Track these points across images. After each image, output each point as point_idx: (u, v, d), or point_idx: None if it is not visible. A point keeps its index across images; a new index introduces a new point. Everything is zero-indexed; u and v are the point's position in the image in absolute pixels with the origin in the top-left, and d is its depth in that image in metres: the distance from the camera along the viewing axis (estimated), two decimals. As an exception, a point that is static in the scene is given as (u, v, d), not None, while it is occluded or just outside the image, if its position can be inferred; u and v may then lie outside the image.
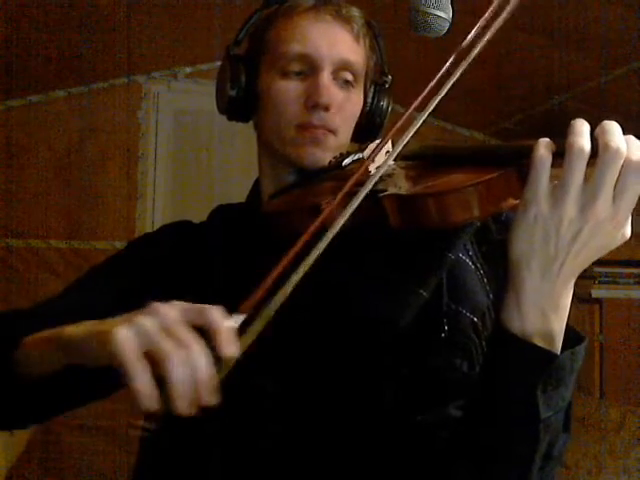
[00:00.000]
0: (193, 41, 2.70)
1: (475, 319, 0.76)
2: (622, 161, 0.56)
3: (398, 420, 0.73)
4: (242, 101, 0.89)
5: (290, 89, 0.84)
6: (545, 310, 0.61)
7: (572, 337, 0.63)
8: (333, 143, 0.85)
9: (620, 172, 0.56)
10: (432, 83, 0.68)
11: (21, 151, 2.93)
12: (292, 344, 0.76)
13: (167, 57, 2.91)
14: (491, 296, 0.79)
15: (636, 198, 0.58)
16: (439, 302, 0.76)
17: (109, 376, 0.55)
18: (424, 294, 0.74)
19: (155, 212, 2.99)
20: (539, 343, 0.61)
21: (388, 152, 0.73)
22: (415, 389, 0.74)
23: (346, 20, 0.86)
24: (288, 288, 0.57)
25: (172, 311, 0.53)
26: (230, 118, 0.93)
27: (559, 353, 0.61)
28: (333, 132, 0.85)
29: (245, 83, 0.88)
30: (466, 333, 0.75)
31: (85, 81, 2.92)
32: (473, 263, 0.80)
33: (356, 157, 0.82)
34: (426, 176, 0.68)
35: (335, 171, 0.81)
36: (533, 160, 0.58)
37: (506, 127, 3.06)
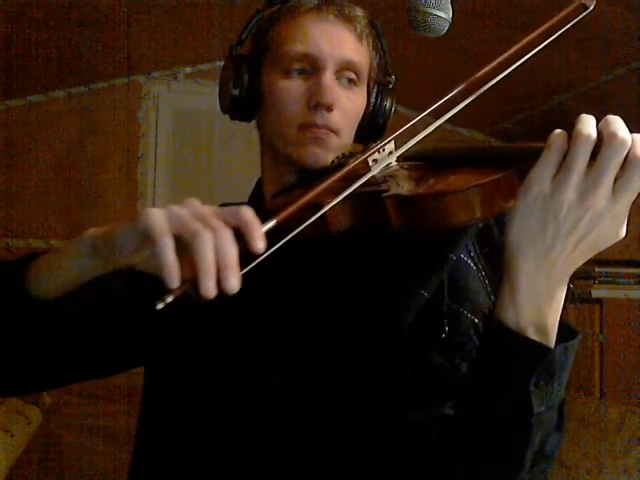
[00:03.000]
0: (193, 41, 2.70)
1: (476, 320, 0.76)
2: (626, 152, 0.56)
3: (395, 418, 0.73)
4: (245, 100, 0.89)
5: (292, 89, 0.84)
6: (540, 302, 0.61)
7: (566, 332, 0.64)
8: (335, 143, 0.85)
9: (626, 167, 0.57)
10: (454, 92, 0.68)
11: (21, 151, 2.93)
12: (298, 340, 0.77)
13: (167, 57, 2.91)
14: (492, 297, 0.79)
15: (635, 194, 0.58)
16: (440, 302, 0.76)
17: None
18: (425, 294, 0.74)
19: (155, 212, 2.99)
20: (533, 336, 0.61)
21: (391, 153, 0.73)
22: (414, 388, 0.74)
23: (349, 20, 0.86)
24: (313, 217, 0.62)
25: (207, 207, 0.57)
26: (233, 117, 0.93)
27: (553, 347, 0.62)
28: (335, 132, 0.84)
29: (248, 83, 0.88)
30: (466, 334, 0.76)
31: (85, 81, 2.93)
32: (475, 264, 0.80)
33: (358, 157, 0.82)
34: (428, 177, 0.68)
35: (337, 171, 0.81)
36: (549, 142, 0.59)
37: (506, 127, 3.06)
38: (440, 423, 0.71)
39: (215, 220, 0.55)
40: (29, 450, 2.55)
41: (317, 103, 0.82)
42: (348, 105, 0.86)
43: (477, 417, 0.65)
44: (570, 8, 0.70)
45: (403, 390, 0.74)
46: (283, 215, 0.59)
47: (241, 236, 0.54)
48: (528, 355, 0.61)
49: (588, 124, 0.58)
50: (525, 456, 0.63)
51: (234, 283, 0.53)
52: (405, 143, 0.69)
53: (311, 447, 0.74)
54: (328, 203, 0.66)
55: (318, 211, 0.64)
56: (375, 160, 0.72)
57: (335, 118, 0.84)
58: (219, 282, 0.52)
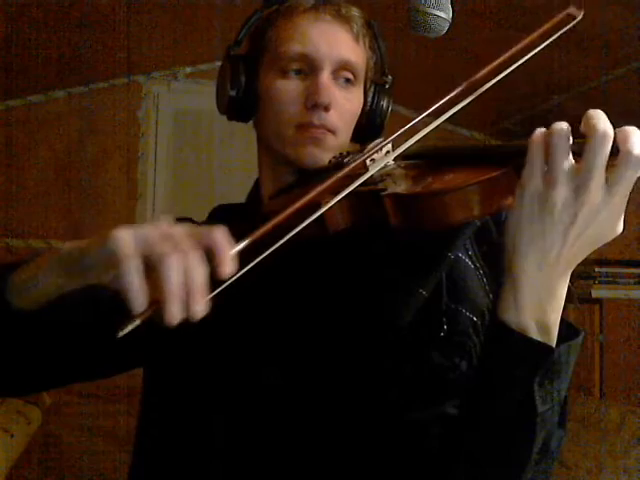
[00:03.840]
0: (193, 41, 2.70)
1: (475, 319, 0.77)
2: (610, 142, 0.56)
3: (396, 417, 0.73)
4: (242, 101, 0.89)
5: (290, 89, 0.84)
6: (542, 301, 0.61)
7: (567, 330, 0.64)
8: (333, 143, 0.85)
9: (615, 159, 0.57)
10: (453, 93, 0.68)
11: (21, 151, 2.93)
12: (297, 340, 0.77)
13: (167, 57, 2.92)
14: (491, 296, 0.79)
15: (630, 187, 0.58)
16: (439, 301, 0.76)
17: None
18: (424, 293, 0.74)
19: (155, 212, 3.00)
20: (535, 335, 0.61)
21: (388, 152, 0.73)
22: (414, 387, 0.74)
23: (346, 20, 0.86)
24: (287, 237, 0.61)
25: (177, 228, 0.55)
26: (230, 118, 0.93)
27: (555, 345, 0.62)
28: (333, 132, 0.85)
29: (245, 83, 0.88)
30: (466, 332, 0.76)
31: (85, 81, 2.93)
32: (473, 263, 0.81)
33: (356, 157, 0.82)
34: (426, 175, 0.68)
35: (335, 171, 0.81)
36: (530, 143, 0.59)
37: (506, 127, 3.06)
38: (442, 422, 0.71)
39: (185, 242, 0.53)
40: (29, 450, 2.55)
41: (314, 103, 0.82)
42: (345, 105, 0.86)
43: (481, 417, 0.65)
44: (557, 19, 0.70)
45: (403, 389, 0.74)
46: (261, 232, 0.58)
47: (212, 258, 0.53)
48: (531, 355, 0.61)
49: (560, 122, 0.58)
50: (530, 455, 0.63)
51: (200, 309, 0.52)
52: (402, 143, 0.69)
53: (312, 446, 0.74)
54: (326, 203, 0.66)
55: (315, 212, 0.64)
56: (373, 160, 0.72)
57: (332, 118, 0.84)
58: (186, 304, 0.51)
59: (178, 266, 0.51)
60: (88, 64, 2.71)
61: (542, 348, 0.61)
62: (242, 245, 0.56)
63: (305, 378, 0.76)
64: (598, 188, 0.57)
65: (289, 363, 0.76)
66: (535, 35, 0.70)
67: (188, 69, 3.05)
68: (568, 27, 0.70)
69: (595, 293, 2.90)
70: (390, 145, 0.73)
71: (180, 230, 0.55)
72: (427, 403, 0.74)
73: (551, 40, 0.69)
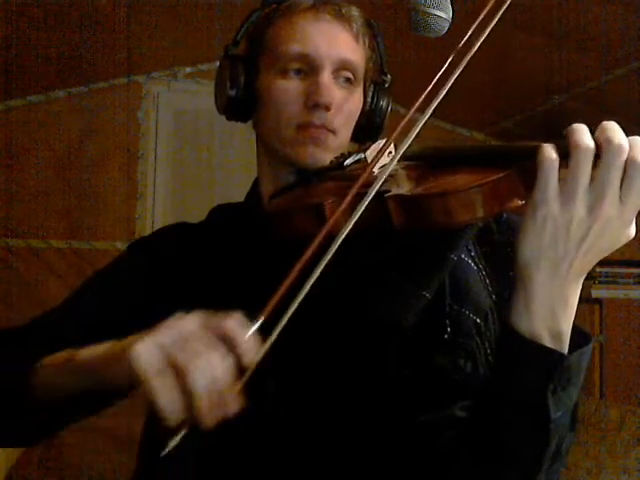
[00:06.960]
0: (193, 41, 2.70)
1: (478, 320, 0.76)
2: (625, 156, 0.56)
3: (402, 421, 0.73)
4: (241, 101, 0.89)
5: (290, 89, 0.84)
6: (554, 309, 0.61)
7: (578, 336, 0.64)
8: (333, 143, 0.85)
9: (626, 172, 0.57)
10: (431, 85, 0.68)
11: (21, 151, 2.93)
12: (294, 345, 0.76)
13: (167, 57, 2.91)
14: (494, 297, 0.79)
15: None
16: (441, 303, 0.76)
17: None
18: (426, 295, 0.74)
19: (155, 212, 2.99)
20: (548, 343, 0.61)
21: (390, 153, 0.73)
22: (419, 390, 0.74)
23: (346, 19, 0.86)
24: (301, 295, 0.59)
25: (190, 324, 0.54)
26: (229, 118, 0.93)
27: (567, 352, 0.62)
28: (333, 132, 0.84)
29: (244, 83, 0.88)
30: (469, 334, 0.75)
31: (85, 81, 2.92)
32: (475, 264, 0.80)
33: (357, 157, 0.81)
34: (429, 176, 0.68)
35: (336, 171, 0.81)
36: (541, 162, 0.59)
37: (506, 127, 3.06)
38: (452, 425, 0.71)
39: (202, 341, 0.52)
40: (29, 450, 2.55)
41: (315, 103, 0.82)
42: (345, 105, 0.86)
43: (494, 424, 0.65)
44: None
45: (408, 392, 0.73)
46: (270, 307, 0.57)
47: (230, 347, 0.53)
48: (544, 363, 0.61)
49: (584, 132, 0.58)
50: (543, 460, 0.63)
51: (234, 406, 0.52)
52: (403, 142, 0.69)
53: (318, 449, 0.74)
54: (331, 205, 0.65)
55: (335, 240, 0.63)
56: (381, 167, 0.72)
57: (333, 118, 0.84)
58: (220, 409, 0.51)
59: (203, 375, 0.51)
60: (88, 64, 2.71)
61: (555, 355, 0.61)
62: (258, 324, 0.55)
63: (309, 381, 0.75)
64: (612, 201, 0.57)
65: (286, 371, 0.76)
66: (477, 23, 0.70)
67: (188, 69, 3.05)
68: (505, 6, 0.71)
69: (595, 293, 2.90)
70: (392, 146, 0.73)
71: (194, 327, 0.54)
72: (434, 406, 0.73)
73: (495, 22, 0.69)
